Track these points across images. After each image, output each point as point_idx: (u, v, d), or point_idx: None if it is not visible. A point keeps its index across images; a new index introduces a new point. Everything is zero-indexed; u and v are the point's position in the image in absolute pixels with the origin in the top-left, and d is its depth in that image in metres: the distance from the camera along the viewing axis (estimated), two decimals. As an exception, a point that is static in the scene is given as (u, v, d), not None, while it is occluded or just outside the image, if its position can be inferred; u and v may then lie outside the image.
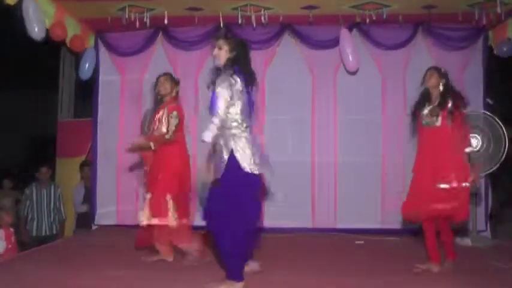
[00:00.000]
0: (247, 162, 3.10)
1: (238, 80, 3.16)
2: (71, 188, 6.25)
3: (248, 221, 3.17)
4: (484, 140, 5.08)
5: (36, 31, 4.85)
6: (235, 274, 3.16)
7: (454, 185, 3.67)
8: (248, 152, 3.12)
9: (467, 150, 3.76)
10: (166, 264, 4.08)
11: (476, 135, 5.08)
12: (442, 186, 3.70)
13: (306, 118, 5.88)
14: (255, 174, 3.13)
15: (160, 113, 4.16)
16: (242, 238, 3.12)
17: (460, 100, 3.82)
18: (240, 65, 3.23)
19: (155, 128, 4.15)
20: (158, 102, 4.28)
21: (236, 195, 3.13)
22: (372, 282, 3.61)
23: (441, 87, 3.87)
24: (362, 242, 5.22)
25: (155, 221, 3.96)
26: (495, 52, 5.69)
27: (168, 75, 4.31)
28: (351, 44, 5.65)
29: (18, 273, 3.76)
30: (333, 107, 5.92)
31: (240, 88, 3.16)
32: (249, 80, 3.27)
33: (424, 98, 3.97)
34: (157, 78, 4.28)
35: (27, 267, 3.97)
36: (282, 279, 3.50)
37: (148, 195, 4.08)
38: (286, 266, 3.75)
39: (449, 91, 3.86)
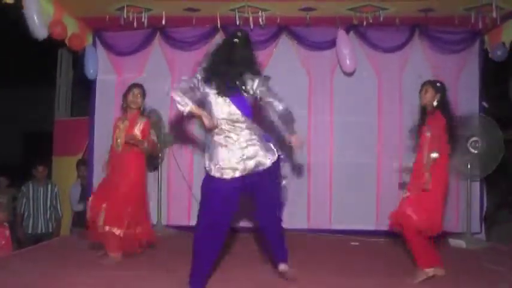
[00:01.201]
0: (208, 165, 3.04)
1: (195, 79, 3.07)
2: (68, 186, 6.26)
3: (198, 225, 3.06)
4: (483, 142, 5.12)
5: (38, 30, 4.84)
6: (190, 279, 3.05)
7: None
8: (215, 155, 3.02)
9: (433, 155, 3.63)
10: (163, 264, 4.10)
11: (476, 137, 5.11)
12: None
13: (302, 119, 5.85)
14: (219, 179, 2.99)
15: (138, 125, 4.29)
16: (196, 241, 3.04)
17: (446, 117, 3.77)
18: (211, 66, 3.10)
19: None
20: (124, 110, 4.46)
21: (201, 197, 3.11)
22: (368, 283, 3.64)
23: (435, 103, 3.85)
24: (357, 243, 5.25)
25: (108, 229, 4.14)
26: (490, 56, 5.73)
27: (142, 89, 4.38)
28: (348, 45, 5.67)
29: (14, 271, 3.77)
30: (330, 108, 5.95)
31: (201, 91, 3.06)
32: (219, 85, 3.05)
33: (422, 114, 3.99)
34: (131, 88, 4.35)
35: (24, 265, 3.98)
36: (277, 279, 3.52)
37: (104, 205, 4.17)
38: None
39: (441, 106, 3.83)
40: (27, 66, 9.24)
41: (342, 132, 5.88)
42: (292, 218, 5.74)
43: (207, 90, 3.05)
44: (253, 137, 3.06)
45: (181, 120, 5.97)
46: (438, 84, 3.91)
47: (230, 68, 3.03)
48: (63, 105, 7.36)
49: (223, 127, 3.02)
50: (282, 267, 3.32)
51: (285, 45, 5.97)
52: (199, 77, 3.07)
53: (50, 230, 5.89)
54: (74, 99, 7.45)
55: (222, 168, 2.97)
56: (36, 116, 10.14)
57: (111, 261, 4.12)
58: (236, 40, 3.11)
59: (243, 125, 3.05)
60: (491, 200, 6.18)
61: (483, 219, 5.85)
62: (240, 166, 2.99)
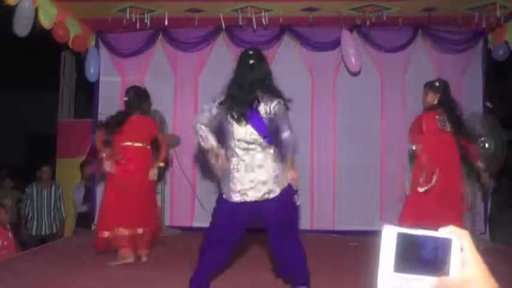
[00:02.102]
0: (222, 187, 2.97)
1: (214, 106, 2.96)
2: (71, 188, 6.27)
3: (204, 241, 3.01)
4: (490, 142, 5.09)
5: (21, 28, 4.76)
6: (192, 278, 3.00)
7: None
8: (227, 178, 2.92)
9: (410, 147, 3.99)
10: (166, 264, 4.11)
11: (484, 137, 5.09)
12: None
13: (305, 120, 5.89)
14: (230, 202, 2.90)
15: None
16: (202, 250, 2.99)
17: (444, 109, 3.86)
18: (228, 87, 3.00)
19: None
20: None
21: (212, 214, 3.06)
22: (370, 283, 3.62)
23: (435, 103, 3.88)
24: (357, 243, 5.23)
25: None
26: (492, 55, 5.71)
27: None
28: (353, 45, 5.68)
29: (19, 272, 3.77)
30: (333, 108, 5.95)
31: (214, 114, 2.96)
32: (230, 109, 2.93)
33: None
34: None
35: (28, 266, 3.98)
36: (274, 278, 3.51)
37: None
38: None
39: (442, 104, 3.86)
40: (30, 68, 9.25)
41: (345, 133, 5.87)
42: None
43: (225, 114, 2.96)
44: (267, 161, 2.92)
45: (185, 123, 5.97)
46: (437, 84, 3.89)
47: (253, 91, 2.94)
48: (66, 107, 7.37)
49: (237, 150, 2.93)
50: None
51: (287, 46, 5.97)
52: (217, 103, 2.97)
53: (54, 231, 5.91)
54: (77, 101, 7.46)
55: (233, 191, 2.90)
56: (39, 118, 10.15)
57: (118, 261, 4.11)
58: (252, 61, 3.01)
59: (258, 148, 2.93)
60: (495, 201, 6.16)
61: (488, 220, 5.82)
62: (251, 192, 2.89)
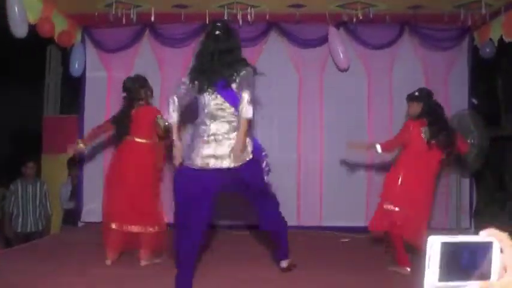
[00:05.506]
0: (185, 155, 3.03)
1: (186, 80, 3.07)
2: (57, 184, 6.22)
3: (176, 216, 3.02)
4: (478, 139, 5.13)
5: (18, 29, 4.73)
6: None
7: None
8: (191, 146, 3.00)
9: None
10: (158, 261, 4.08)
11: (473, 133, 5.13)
12: None
13: (292, 116, 5.90)
14: (193, 168, 2.95)
15: None
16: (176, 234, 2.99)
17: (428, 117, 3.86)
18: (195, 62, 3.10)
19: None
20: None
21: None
22: (359, 279, 3.66)
23: (419, 112, 3.90)
24: (347, 239, 5.27)
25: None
26: (480, 53, 5.76)
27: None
28: (341, 42, 5.69)
29: (3, 271, 3.73)
30: (319, 105, 5.96)
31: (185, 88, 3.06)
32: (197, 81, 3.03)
33: None
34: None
35: (13, 265, 3.94)
36: (266, 276, 3.53)
37: None
38: (270, 263, 3.78)
39: (425, 112, 3.86)
40: (15, 64, 9.13)
41: (331, 129, 5.88)
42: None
43: (196, 88, 3.03)
44: (233, 134, 2.96)
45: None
46: (416, 93, 3.91)
47: (216, 62, 2.99)
48: (52, 103, 7.31)
49: (206, 120, 2.99)
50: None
51: (274, 42, 5.96)
52: (187, 80, 3.05)
53: (40, 229, 5.84)
54: (63, 96, 7.40)
55: (195, 158, 2.94)
56: (25, 113, 10.04)
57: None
58: (218, 32, 3.03)
59: (225, 118, 2.98)
60: (480, 196, 6.24)
61: (473, 215, 5.89)
62: (212, 160, 2.92)
